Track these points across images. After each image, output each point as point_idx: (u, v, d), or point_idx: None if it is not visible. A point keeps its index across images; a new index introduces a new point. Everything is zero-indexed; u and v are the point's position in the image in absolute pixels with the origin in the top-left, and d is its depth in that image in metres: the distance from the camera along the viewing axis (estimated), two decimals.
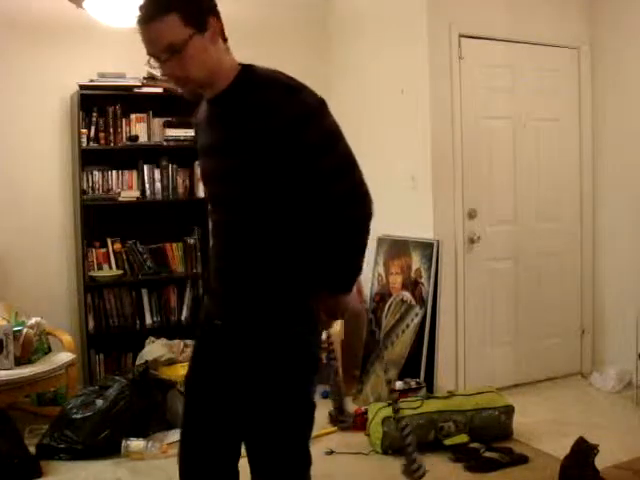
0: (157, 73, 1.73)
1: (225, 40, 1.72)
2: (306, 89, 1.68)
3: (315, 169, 1.66)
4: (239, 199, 1.72)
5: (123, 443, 3.29)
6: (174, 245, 4.56)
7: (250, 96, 1.67)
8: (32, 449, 3.26)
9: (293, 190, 1.68)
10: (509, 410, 3.41)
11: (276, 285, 1.75)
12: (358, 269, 1.79)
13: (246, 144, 1.66)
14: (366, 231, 1.73)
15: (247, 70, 1.73)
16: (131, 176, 4.45)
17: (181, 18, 1.59)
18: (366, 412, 3.51)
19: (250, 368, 1.78)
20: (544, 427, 3.55)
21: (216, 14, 1.67)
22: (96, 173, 4.36)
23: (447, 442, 3.23)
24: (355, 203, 1.70)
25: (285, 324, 1.76)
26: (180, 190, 4.48)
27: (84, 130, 4.25)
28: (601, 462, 2.47)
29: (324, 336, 3.45)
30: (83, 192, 4.27)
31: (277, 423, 1.80)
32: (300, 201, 1.70)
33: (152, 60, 1.66)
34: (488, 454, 3.14)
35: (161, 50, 1.61)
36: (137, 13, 1.63)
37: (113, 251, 4.45)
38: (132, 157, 4.44)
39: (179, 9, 1.59)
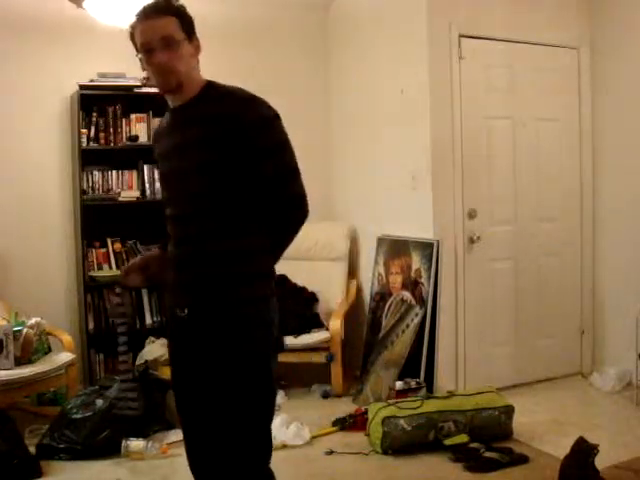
0: (143, 63, 1.93)
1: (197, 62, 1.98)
2: (263, 102, 1.90)
3: (261, 172, 1.87)
4: (201, 192, 1.91)
5: (123, 443, 3.29)
6: None
7: (212, 106, 1.90)
8: (32, 449, 3.26)
9: (241, 188, 1.89)
10: (509, 410, 3.41)
11: (230, 267, 1.90)
12: (282, 253, 2.02)
13: (206, 144, 1.88)
14: (297, 230, 1.98)
15: (211, 85, 1.96)
16: (131, 176, 4.46)
17: (179, 23, 1.89)
18: (366, 412, 3.51)
19: (212, 352, 1.89)
20: (544, 427, 3.55)
21: (197, 38, 1.96)
22: (96, 173, 4.36)
23: (447, 442, 3.23)
24: (292, 208, 1.93)
25: (242, 305, 1.89)
26: None
27: (84, 130, 4.26)
28: (601, 462, 2.46)
29: (325, 335, 3.45)
30: (83, 192, 4.27)
31: (234, 403, 1.88)
32: (247, 198, 1.90)
33: (142, 54, 1.90)
34: (488, 454, 3.14)
35: (160, 39, 1.86)
36: (141, 10, 1.90)
37: (113, 251, 4.45)
38: (132, 157, 4.44)
39: (179, 16, 1.90)
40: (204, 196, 1.91)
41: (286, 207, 1.92)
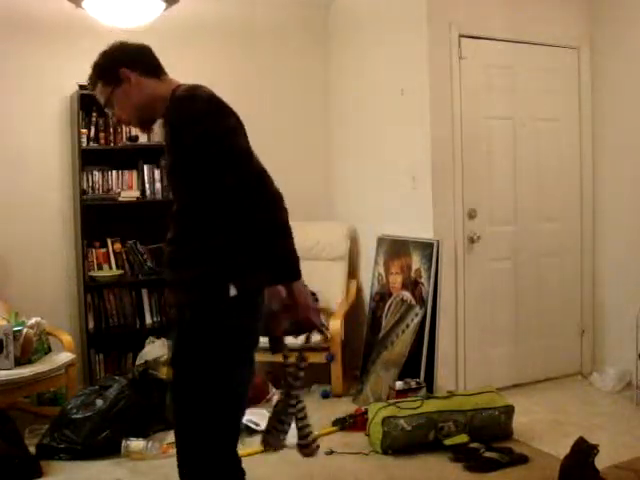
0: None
1: (158, 74, 2.04)
2: (192, 99, 1.88)
3: (203, 167, 1.86)
4: (172, 195, 2.05)
5: (123, 443, 3.29)
6: None
7: (166, 111, 1.96)
8: (32, 449, 3.26)
9: (199, 188, 1.90)
10: (509, 410, 3.41)
11: (198, 268, 1.89)
12: (284, 255, 1.88)
13: (165, 150, 1.97)
14: (270, 217, 1.85)
15: (174, 89, 1.98)
16: (131, 176, 4.46)
17: (103, 82, 2.07)
18: (366, 412, 3.51)
19: (179, 346, 1.95)
20: (544, 427, 3.55)
21: (130, 65, 2.02)
22: (96, 173, 4.36)
23: (447, 442, 3.23)
24: (248, 196, 1.84)
25: (211, 303, 1.88)
26: None
27: (84, 130, 4.26)
28: (601, 462, 2.46)
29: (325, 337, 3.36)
30: (83, 192, 4.27)
31: (186, 404, 1.93)
32: (209, 197, 1.89)
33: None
34: (488, 454, 3.14)
35: (103, 105, 2.10)
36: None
37: (113, 251, 4.45)
38: (132, 157, 4.44)
39: (100, 78, 2.08)
40: (173, 199, 2.02)
41: (239, 198, 1.84)
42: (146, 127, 2.10)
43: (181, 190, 1.98)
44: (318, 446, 2.07)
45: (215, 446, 1.93)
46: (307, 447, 2.05)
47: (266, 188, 1.87)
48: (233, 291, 1.87)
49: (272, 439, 2.03)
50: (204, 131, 1.84)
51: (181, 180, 1.96)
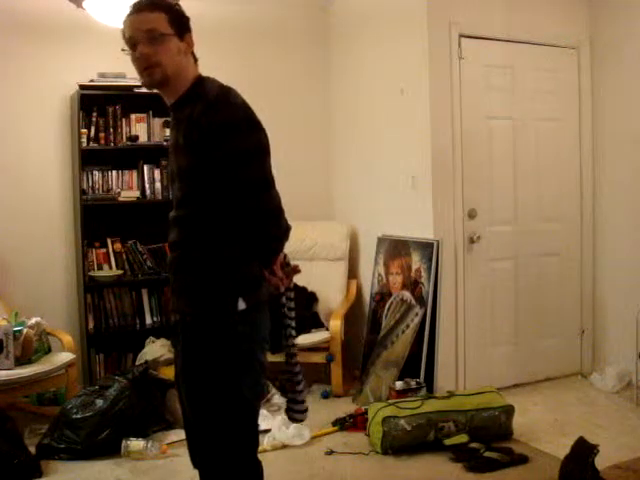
0: (128, 54, 1.90)
1: (195, 60, 1.96)
2: (230, 104, 1.82)
3: (232, 180, 1.80)
4: (182, 197, 1.92)
5: (123, 443, 3.29)
6: None
7: (189, 108, 1.84)
8: (32, 449, 3.26)
9: (212, 197, 1.84)
10: (509, 410, 3.41)
11: (205, 277, 1.88)
12: (273, 256, 1.97)
13: (185, 149, 1.85)
14: (274, 244, 1.92)
15: (198, 83, 1.91)
16: (131, 176, 4.46)
17: (168, 19, 1.86)
18: (366, 412, 3.51)
19: (185, 357, 1.93)
20: (544, 427, 3.55)
21: (191, 35, 1.93)
22: (96, 173, 4.36)
23: (447, 442, 3.23)
24: (262, 224, 1.85)
25: (219, 314, 1.87)
26: None
27: (84, 130, 4.26)
28: (601, 462, 2.47)
29: (325, 335, 3.37)
30: (83, 192, 4.27)
31: (199, 415, 1.93)
32: (220, 208, 1.84)
33: (127, 46, 1.88)
34: (488, 454, 3.14)
35: (145, 31, 1.83)
36: (132, 5, 1.88)
37: (113, 251, 4.45)
38: (132, 157, 4.44)
39: (168, 12, 1.87)
40: (183, 202, 1.92)
41: (255, 222, 1.84)
42: (154, 86, 1.91)
43: (197, 194, 1.87)
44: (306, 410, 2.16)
45: (230, 451, 1.92)
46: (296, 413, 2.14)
47: (281, 220, 1.88)
48: (242, 305, 1.86)
49: (291, 413, 2.13)
50: (239, 143, 1.77)
51: (200, 184, 1.84)
